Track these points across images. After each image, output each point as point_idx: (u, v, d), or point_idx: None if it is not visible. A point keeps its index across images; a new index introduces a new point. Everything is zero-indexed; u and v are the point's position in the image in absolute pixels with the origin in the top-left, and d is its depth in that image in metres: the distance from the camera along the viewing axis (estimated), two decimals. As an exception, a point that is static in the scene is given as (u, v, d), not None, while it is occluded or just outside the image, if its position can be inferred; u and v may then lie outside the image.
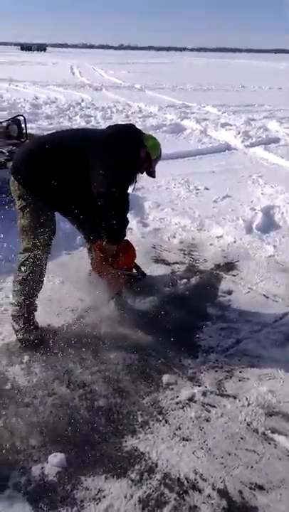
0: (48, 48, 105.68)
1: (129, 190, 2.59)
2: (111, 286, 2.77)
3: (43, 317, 2.70)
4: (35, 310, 2.61)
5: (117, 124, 2.93)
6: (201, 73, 27.86)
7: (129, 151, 2.49)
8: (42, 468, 1.84)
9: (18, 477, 1.80)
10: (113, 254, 2.61)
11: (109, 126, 2.75)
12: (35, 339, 2.55)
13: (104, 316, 2.82)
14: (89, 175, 2.39)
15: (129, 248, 2.79)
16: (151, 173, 2.74)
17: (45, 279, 2.62)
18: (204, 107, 12.54)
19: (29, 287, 2.51)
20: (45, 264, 2.54)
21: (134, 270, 2.86)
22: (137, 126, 2.71)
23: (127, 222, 2.60)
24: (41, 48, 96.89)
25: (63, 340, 2.59)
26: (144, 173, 2.72)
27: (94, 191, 2.38)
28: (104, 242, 2.55)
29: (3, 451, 1.91)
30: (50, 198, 2.45)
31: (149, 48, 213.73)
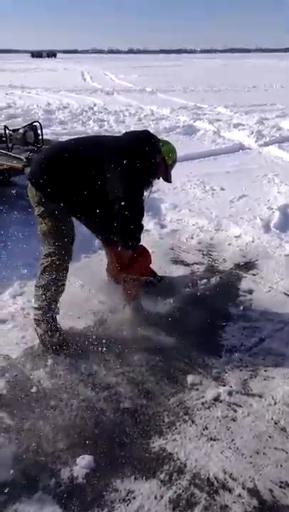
0: (58, 54, 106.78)
1: (145, 195, 2.62)
2: (127, 291, 2.78)
3: (65, 320, 2.71)
4: (58, 313, 2.62)
5: (132, 131, 2.96)
6: (212, 74, 27.79)
7: (144, 158, 2.53)
8: (71, 470, 1.85)
9: (47, 479, 1.81)
10: (129, 259, 2.62)
11: (125, 133, 2.78)
12: (57, 343, 2.56)
13: (125, 318, 2.83)
14: (105, 182, 2.41)
15: (144, 253, 2.80)
16: (168, 178, 2.78)
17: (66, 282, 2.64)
18: (216, 107, 12.51)
19: (51, 292, 2.52)
20: (67, 269, 2.56)
21: (150, 275, 2.88)
22: (150, 129, 2.74)
23: (142, 227, 2.61)
24: (51, 54, 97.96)
25: (86, 343, 2.59)
26: (161, 178, 2.76)
27: (110, 198, 2.40)
28: (119, 248, 2.57)
29: (32, 454, 1.92)
30: (68, 204, 2.48)
31: (160, 52, 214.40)
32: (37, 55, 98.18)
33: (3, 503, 1.72)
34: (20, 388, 2.29)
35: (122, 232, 2.45)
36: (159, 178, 2.77)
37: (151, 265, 3.03)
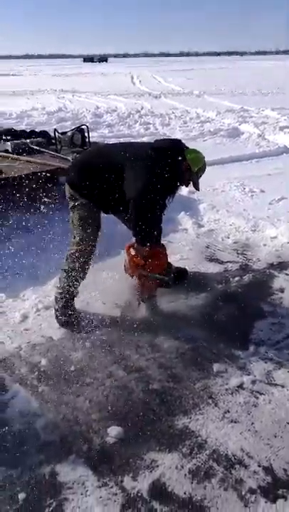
0: (109, 58, 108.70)
1: (168, 200, 2.83)
2: (142, 288, 2.93)
3: (103, 308, 2.94)
4: (76, 296, 2.91)
5: (164, 139, 3.15)
6: (262, 77, 27.44)
7: (167, 164, 2.69)
8: (102, 438, 2.05)
9: (80, 445, 2.02)
10: (145, 256, 2.79)
11: (156, 140, 2.98)
12: (67, 320, 2.86)
13: (159, 309, 3.02)
14: (124, 182, 2.64)
15: (160, 253, 2.93)
16: (195, 185, 2.89)
17: (105, 273, 2.87)
18: (263, 110, 12.42)
19: (72, 276, 2.81)
20: (91, 257, 2.81)
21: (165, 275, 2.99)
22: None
23: (155, 226, 2.77)
24: (103, 59, 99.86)
25: (120, 330, 2.80)
26: (190, 185, 2.89)
27: (126, 197, 2.62)
28: (135, 244, 2.78)
29: (68, 423, 2.14)
30: (95, 200, 2.75)
31: (212, 54, 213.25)
32: (89, 60, 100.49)
33: (41, 462, 1.94)
34: (59, 367, 2.53)
35: (134, 229, 2.69)
36: (186, 185, 2.93)
37: (186, 266, 3.14)
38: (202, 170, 2.87)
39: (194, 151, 2.87)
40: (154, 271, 2.87)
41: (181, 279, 3.35)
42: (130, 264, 2.89)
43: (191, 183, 2.88)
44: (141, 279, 2.90)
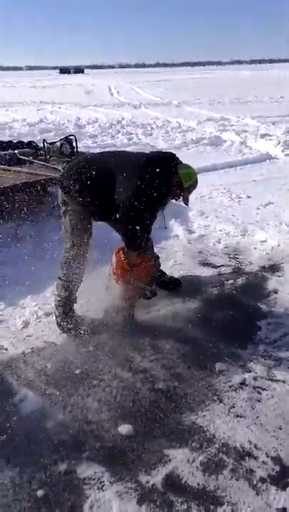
0: (85, 70, 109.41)
1: (158, 210, 2.85)
2: (124, 293, 2.94)
3: (103, 313, 3.00)
4: (75, 302, 2.97)
5: (158, 151, 3.22)
6: (238, 86, 28.03)
7: (157, 176, 2.69)
8: (113, 435, 2.11)
9: (93, 443, 2.08)
10: (133, 264, 2.83)
11: (151, 152, 3.06)
12: (67, 325, 2.92)
13: (157, 313, 3.10)
14: (114, 188, 2.68)
15: (147, 263, 2.96)
16: (185, 201, 2.90)
17: (102, 279, 2.95)
18: (243, 119, 12.73)
19: (67, 282, 2.88)
20: (84, 262, 2.87)
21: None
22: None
23: (144, 233, 2.77)
24: (78, 70, 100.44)
25: (121, 334, 2.87)
26: (179, 199, 2.90)
27: (116, 202, 2.67)
28: (125, 249, 2.84)
29: (78, 423, 2.19)
30: (86, 206, 2.79)
31: (185, 64, 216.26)
32: (65, 71, 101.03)
33: (55, 461, 1.98)
34: (65, 370, 2.57)
35: (124, 234, 2.76)
36: (176, 199, 2.92)
37: (180, 271, 3.17)
38: (193, 186, 2.86)
39: (187, 166, 2.84)
40: (139, 279, 2.90)
41: (174, 287, 3.44)
42: (117, 267, 2.89)
43: (179, 198, 2.88)
44: (125, 285, 2.90)
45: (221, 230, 4.67)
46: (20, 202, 4.35)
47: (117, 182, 2.67)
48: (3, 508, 1.78)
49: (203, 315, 3.11)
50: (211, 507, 1.77)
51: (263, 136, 9.77)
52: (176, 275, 3.62)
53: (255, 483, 1.87)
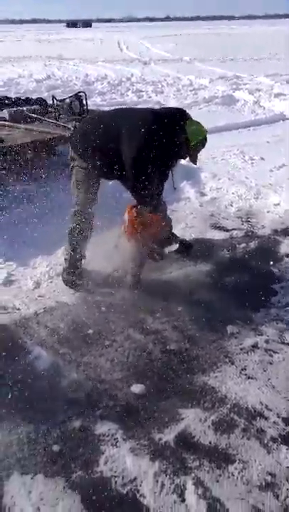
0: (93, 23, 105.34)
1: (171, 170, 2.82)
2: (133, 254, 2.92)
3: (115, 274, 3.00)
4: (83, 257, 3.00)
5: (169, 107, 3.11)
6: (251, 42, 26.89)
7: (164, 133, 2.58)
8: (126, 394, 2.15)
9: (106, 401, 2.12)
10: (145, 222, 2.78)
11: (162, 108, 2.95)
12: (72, 280, 2.98)
13: (169, 275, 3.08)
14: (122, 144, 2.60)
15: (157, 222, 2.89)
16: (192, 159, 2.76)
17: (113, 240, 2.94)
18: (256, 77, 12.26)
19: (75, 237, 2.90)
20: (89, 218, 2.88)
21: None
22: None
23: (155, 192, 2.75)
24: (87, 24, 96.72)
25: (134, 295, 2.87)
26: (188, 158, 2.77)
27: (123, 159, 2.61)
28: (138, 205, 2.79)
29: (92, 382, 2.23)
30: (94, 166, 2.75)
31: (197, 18, 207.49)
32: (72, 25, 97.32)
33: (70, 418, 2.03)
34: (78, 330, 2.60)
35: (132, 189, 2.72)
36: (184, 158, 2.80)
37: (191, 234, 3.12)
38: (202, 144, 2.69)
39: (196, 123, 2.68)
40: (149, 239, 2.89)
41: (185, 251, 3.41)
42: (129, 225, 2.84)
43: (185, 157, 2.76)
44: (135, 244, 2.88)
45: (233, 193, 4.58)
46: (30, 161, 4.27)
47: (123, 138, 2.60)
48: (20, 461, 1.84)
49: (214, 278, 3.10)
50: (223, 464, 1.82)
51: (277, 95, 9.43)
52: (187, 238, 3.59)
53: (266, 442, 1.91)
